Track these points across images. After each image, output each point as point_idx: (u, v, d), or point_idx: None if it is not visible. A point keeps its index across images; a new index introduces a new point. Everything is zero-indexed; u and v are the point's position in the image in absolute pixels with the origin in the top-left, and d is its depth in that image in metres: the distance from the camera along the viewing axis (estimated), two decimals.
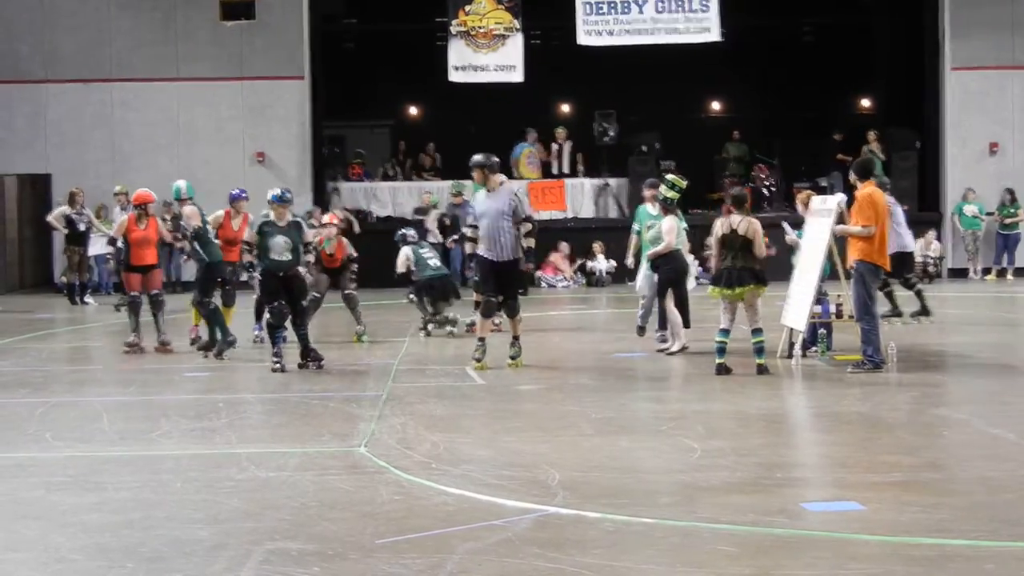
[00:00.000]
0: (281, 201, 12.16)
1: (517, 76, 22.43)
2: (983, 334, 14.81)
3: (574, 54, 22.74)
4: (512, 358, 11.98)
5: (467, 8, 22.51)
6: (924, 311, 14.99)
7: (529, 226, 11.96)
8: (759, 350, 11.25)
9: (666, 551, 5.88)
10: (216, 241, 13.52)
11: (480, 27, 22.49)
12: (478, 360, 11.82)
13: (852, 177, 11.76)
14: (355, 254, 14.43)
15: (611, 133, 22.82)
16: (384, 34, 25.64)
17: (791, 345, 12.05)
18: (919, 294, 15.09)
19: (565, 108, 26.49)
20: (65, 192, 20.47)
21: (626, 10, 22.21)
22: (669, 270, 12.71)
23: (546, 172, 23.71)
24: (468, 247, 12.39)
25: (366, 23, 25.98)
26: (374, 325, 14.99)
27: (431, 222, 21.19)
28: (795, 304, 12.15)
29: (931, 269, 21.97)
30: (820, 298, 12.13)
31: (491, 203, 11.85)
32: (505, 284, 11.90)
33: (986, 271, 22.70)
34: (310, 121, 22.87)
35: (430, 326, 14.62)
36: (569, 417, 9.44)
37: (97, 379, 12.44)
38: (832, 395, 10.31)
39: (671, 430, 8.86)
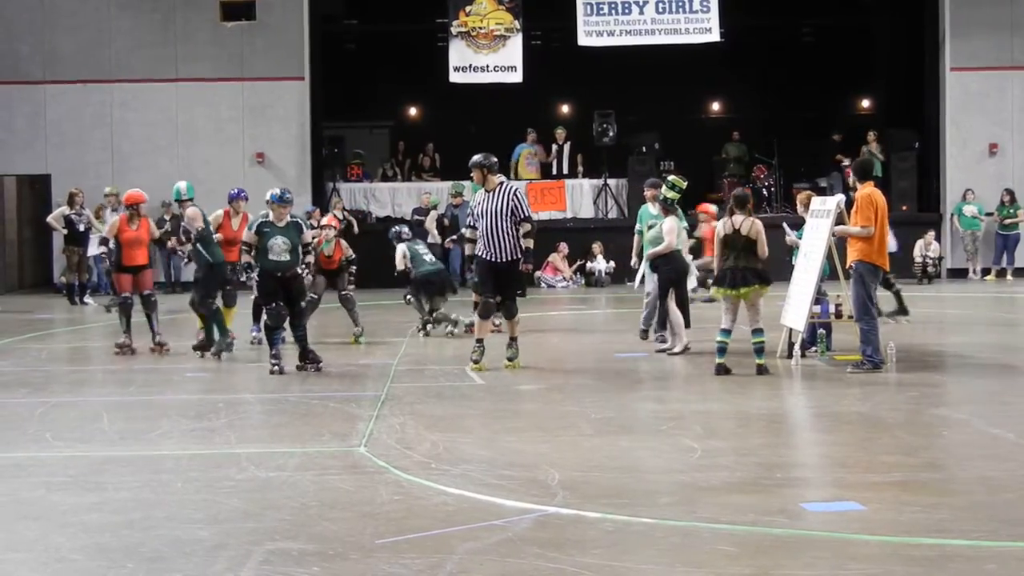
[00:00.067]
0: (281, 201, 12.09)
1: (517, 77, 22.46)
2: (983, 334, 14.82)
3: (574, 55, 22.77)
4: (509, 359, 11.95)
5: (468, 9, 22.54)
6: (902, 310, 15.01)
7: (528, 227, 11.89)
8: (759, 350, 11.25)
9: (666, 551, 5.87)
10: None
11: (480, 28, 22.52)
12: (476, 362, 11.79)
13: (851, 178, 11.77)
14: (353, 256, 14.45)
15: (611, 133, 22.81)
16: (384, 35, 25.63)
17: (791, 345, 12.06)
18: (897, 294, 15.13)
19: (565, 108, 26.47)
20: (65, 192, 20.47)
21: (626, 11, 22.25)
22: (669, 270, 12.71)
23: (546, 172, 23.72)
24: (467, 248, 12.37)
25: (366, 24, 25.96)
26: (372, 325, 14.99)
27: (430, 222, 21.19)
28: (795, 304, 12.16)
29: (930, 269, 22.00)
30: (819, 298, 12.14)
31: (490, 203, 11.80)
32: (504, 285, 11.86)
33: (985, 271, 22.70)
34: (310, 121, 22.89)
35: (428, 326, 14.62)
36: (569, 417, 9.43)
37: (97, 379, 12.44)
38: (832, 395, 10.31)
39: (671, 430, 8.86)
